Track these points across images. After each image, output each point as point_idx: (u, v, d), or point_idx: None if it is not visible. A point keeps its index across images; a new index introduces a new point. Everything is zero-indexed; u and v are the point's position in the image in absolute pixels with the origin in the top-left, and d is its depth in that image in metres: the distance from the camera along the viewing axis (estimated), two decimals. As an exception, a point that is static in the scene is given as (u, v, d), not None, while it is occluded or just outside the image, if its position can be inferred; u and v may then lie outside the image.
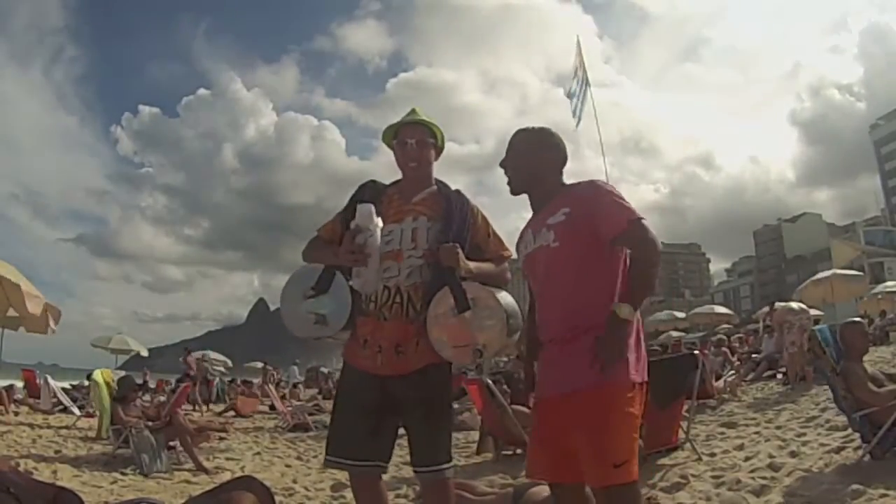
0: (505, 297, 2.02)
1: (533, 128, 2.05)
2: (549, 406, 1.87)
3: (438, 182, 2.22)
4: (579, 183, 1.94)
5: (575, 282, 1.82)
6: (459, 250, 1.98)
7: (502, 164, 2.04)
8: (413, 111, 2.21)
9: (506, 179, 2.03)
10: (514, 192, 2.02)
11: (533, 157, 1.98)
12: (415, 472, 2.06)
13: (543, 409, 1.92)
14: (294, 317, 2.12)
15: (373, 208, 2.03)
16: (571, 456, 1.77)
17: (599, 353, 1.71)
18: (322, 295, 2.09)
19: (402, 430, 2.15)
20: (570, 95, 12.45)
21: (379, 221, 2.05)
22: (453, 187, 2.22)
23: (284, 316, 2.13)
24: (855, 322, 4.13)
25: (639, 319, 1.86)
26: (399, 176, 2.23)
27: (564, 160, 2.01)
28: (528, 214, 2.05)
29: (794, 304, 9.43)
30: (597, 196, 1.84)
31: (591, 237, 1.80)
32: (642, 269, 1.78)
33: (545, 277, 1.91)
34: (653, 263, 1.79)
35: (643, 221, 1.78)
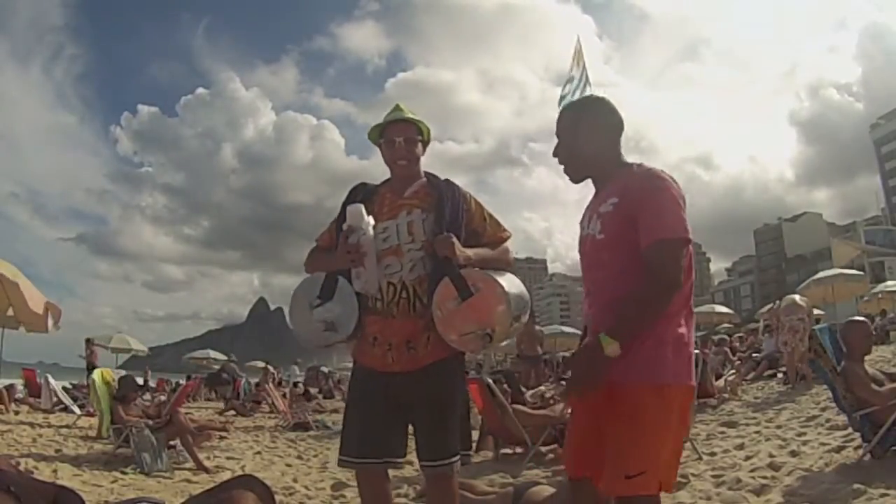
0: (507, 280, 2.02)
1: (576, 103, 1.92)
2: (586, 396, 1.72)
3: (428, 174, 2.22)
4: (639, 168, 1.73)
5: (616, 276, 1.68)
6: (455, 239, 1.98)
7: (554, 153, 1.86)
8: (397, 107, 2.21)
9: (561, 169, 1.85)
10: (573, 181, 1.85)
11: (582, 139, 1.79)
12: (421, 466, 2.07)
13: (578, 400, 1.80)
14: (304, 328, 2.13)
15: (362, 207, 2.04)
16: (596, 450, 1.65)
17: (572, 376, 1.58)
18: (328, 302, 2.09)
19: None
20: (563, 96, 12.37)
21: (370, 220, 2.04)
22: (442, 178, 2.22)
23: (295, 329, 2.14)
24: (858, 321, 4.10)
25: (692, 311, 1.70)
26: (388, 174, 2.23)
27: (618, 129, 1.80)
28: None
29: (791, 298, 9.35)
30: (647, 194, 1.64)
31: (634, 233, 1.64)
32: (640, 298, 1.57)
33: (589, 268, 1.80)
34: (654, 294, 1.57)
35: (671, 245, 1.58)
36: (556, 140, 1.86)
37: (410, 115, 2.17)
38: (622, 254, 1.67)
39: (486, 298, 1.95)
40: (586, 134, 1.79)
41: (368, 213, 2.06)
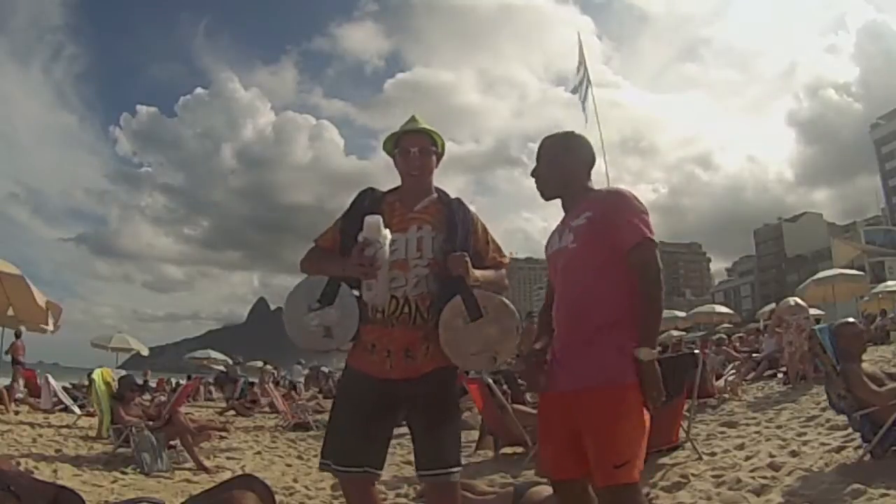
0: (510, 303, 2.07)
1: (558, 134, 2.10)
2: (558, 401, 1.91)
3: (438, 190, 2.21)
4: (604, 189, 2.02)
5: (589, 283, 1.87)
6: (468, 259, 1.99)
7: (532, 174, 2.07)
8: (413, 119, 2.19)
9: (535, 187, 2.07)
10: (546, 198, 2.07)
11: (559, 164, 2.03)
12: (421, 475, 2.03)
13: (550, 403, 1.96)
14: (300, 330, 2.08)
15: (381, 220, 1.99)
16: (576, 452, 1.82)
17: (647, 399, 1.77)
18: (328, 307, 2.05)
19: (402, 430, 2.15)
20: (575, 91, 12.41)
21: (387, 233, 2.00)
22: (453, 195, 2.22)
23: (290, 330, 2.08)
24: (848, 323, 4.12)
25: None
26: (398, 182, 2.21)
27: (591, 163, 2.07)
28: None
29: (792, 301, 9.39)
30: (619, 205, 1.89)
31: (609, 242, 1.86)
32: (648, 297, 1.81)
33: (563, 276, 1.97)
34: (656, 288, 1.82)
35: (652, 244, 1.84)
36: (535, 162, 2.08)
37: (426, 126, 2.16)
38: (593, 261, 1.88)
39: (499, 321, 2.01)
40: (566, 162, 2.03)
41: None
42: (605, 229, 1.87)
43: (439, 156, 2.20)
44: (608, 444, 1.74)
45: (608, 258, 1.86)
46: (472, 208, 2.21)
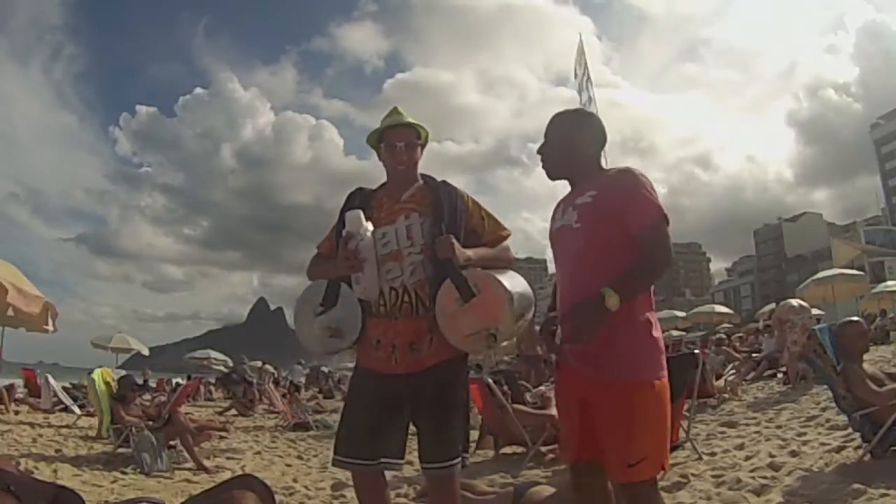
0: (509, 278, 2.02)
1: (567, 111, 2.01)
2: (572, 378, 1.83)
3: (424, 176, 2.22)
4: (614, 168, 1.89)
5: (592, 264, 1.77)
6: (454, 240, 1.97)
7: (539, 151, 1.99)
8: (395, 111, 2.21)
9: (541, 166, 1.98)
10: (551, 178, 1.98)
11: (565, 142, 1.92)
12: (423, 468, 2.06)
13: (566, 377, 1.88)
14: (310, 336, 2.14)
15: (360, 213, 2.03)
16: (589, 437, 1.77)
17: (572, 324, 1.67)
18: (331, 309, 2.10)
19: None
20: (580, 92, 12.39)
21: (369, 225, 2.04)
22: (439, 179, 2.22)
23: (300, 337, 2.15)
24: (852, 322, 4.09)
25: (652, 311, 1.83)
26: (385, 178, 2.23)
27: (601, 141, 1.96)
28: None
29: (795, 302, 9.40)
30: (628, 184, 1.78)
31: (615, 223, 1.76)
32: (646, 269, 1.73)
33: (564, 257, 1.90)
34: (660, 268, 1.75)
35: (665, 225, 1.75)
36: (543, 138, 1.98)
37: (410, 119, 2.17)
38: (596, 241, 1.78)
39: (489, 298, 1.95)
40: (575, 140, 1.92)
41: (367, 219, 2.06)
42: (612, 209, 1.76)
43: (423, 146, 2.22)
44: (623, 442, 1.69)
45: (612, 239, 1.76)
46: (460, 188, 2.20)
